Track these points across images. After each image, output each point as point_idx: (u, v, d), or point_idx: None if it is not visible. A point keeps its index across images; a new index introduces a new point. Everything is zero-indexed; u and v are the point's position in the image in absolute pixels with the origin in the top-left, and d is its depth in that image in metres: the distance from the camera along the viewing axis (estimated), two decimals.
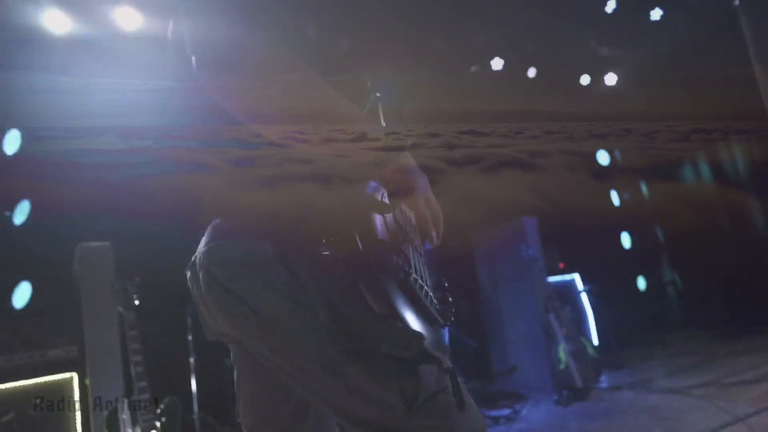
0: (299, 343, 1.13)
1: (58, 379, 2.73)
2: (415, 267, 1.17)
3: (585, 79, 4.77)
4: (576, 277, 4.54)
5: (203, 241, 1.29)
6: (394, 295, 1.10)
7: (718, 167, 4.60)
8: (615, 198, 4.73)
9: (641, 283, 4.80)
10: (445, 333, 1.23)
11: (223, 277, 1.19)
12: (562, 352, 3.85)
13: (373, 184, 1.21)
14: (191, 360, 3.31)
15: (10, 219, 3.11)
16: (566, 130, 4.93)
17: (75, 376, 2.77)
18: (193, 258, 1.33)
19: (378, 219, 1.15)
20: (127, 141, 3.82)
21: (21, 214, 3.13)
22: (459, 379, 1.16)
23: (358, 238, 1.08)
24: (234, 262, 1.19)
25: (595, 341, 4.42)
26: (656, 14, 4.22)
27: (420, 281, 1.16)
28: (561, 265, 4.46)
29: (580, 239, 4.45)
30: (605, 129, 4.99)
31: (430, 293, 1.20)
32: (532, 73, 4.57)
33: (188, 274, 1.34)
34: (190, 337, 3.32)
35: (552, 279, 4.35)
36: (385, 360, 1.11)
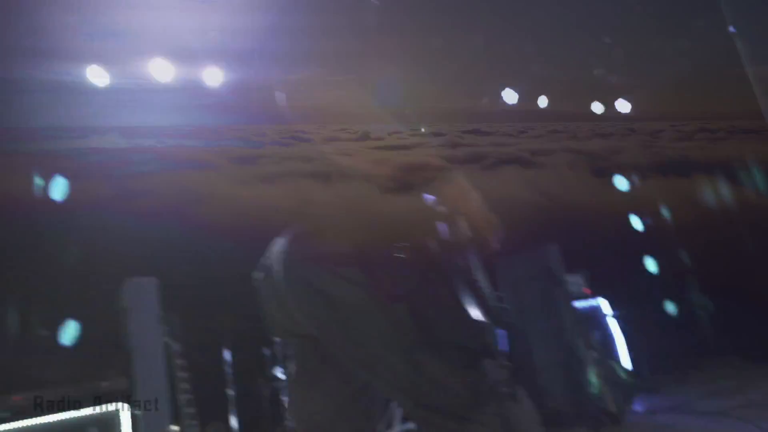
0: (377, 334, 1.21)
1: (110, 410, 2.85)
2: (478, 273, 1.29)
3: (598, 107, 4.74)
4: (602, 302, 4.52)
5: (281, 242, 1.35)
6: (463, 292, 1.22)
7: (738, 172, 4.53)
8: (638, 223, 4.73)
9: (671, 307, 4.75)
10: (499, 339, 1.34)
11: (306, 273, 1.26)
12: (593, 375, 3.82)
13: (428, 197, 1.31)
14: (230, 392, 3.41)
15: (60, 258, 3.30)
16: (570, 130, 4.92)
17: (125, 406, 2.87)
18: (265, 260, 1.39)
19: (444, 227, 1.26)
20: (130, 140, 3.84)
21: (70, 254, 3.29)
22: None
23: (433, 241, 1.21)
24: (316, 259, 1.26)
25: (627, 365, 4.36)
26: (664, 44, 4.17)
27: (482, 285, 1.27)
28: (586, 290, 4.46)
29: (605, 264, 4.44)
30: (609, 128, 4.99)
31: (491, 297, 1.31)
32: (543, 102, 4.54)
33: (260, 276, 1.40)
34: (229, 370, 3.42)
35: (578, 304, 4.33)
36: (455, 351, 1.20)
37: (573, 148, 4.90)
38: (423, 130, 1.48)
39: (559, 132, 4.96)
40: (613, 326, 4.40)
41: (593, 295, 4.44)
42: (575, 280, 4.41)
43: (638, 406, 3.87)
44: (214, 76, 3.55)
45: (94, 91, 3.34)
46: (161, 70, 3.30)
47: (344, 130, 1.48)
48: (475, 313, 1.21)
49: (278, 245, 1.35)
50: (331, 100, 1.44)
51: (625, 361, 4.35)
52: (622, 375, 3.98)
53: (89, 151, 3.51)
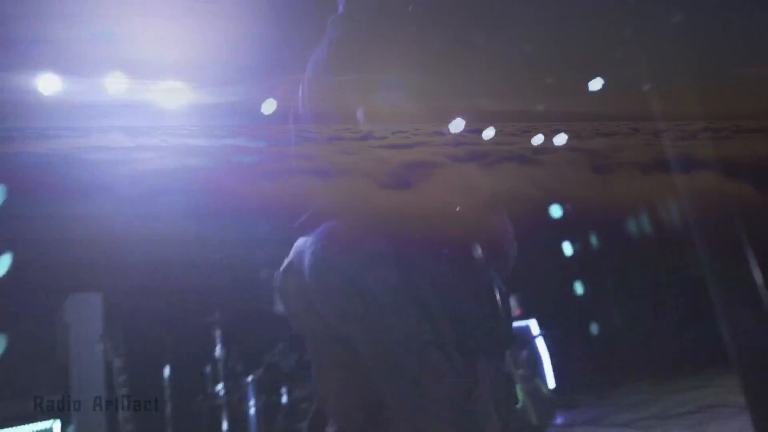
0: (400, 331, 1.23)
1: (42, 428, 2.75)
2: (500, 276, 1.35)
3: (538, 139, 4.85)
4: (532, 323, 4.77)
5: (312, 240, 1.36)
6: (488, 295, 1.27)
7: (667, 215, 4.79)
8: (568, 248, 5.06)
9: (594, 328, 5.01)
10: None
11: (341, 266, 1.28)
12: (519, 391, 4.05)
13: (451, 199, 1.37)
14: (169, 408, 3.33)
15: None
16: (574, 129, 4.91)
17: (58, 422, 2.77)
18: (287, 261, 1.43)
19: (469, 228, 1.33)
20: (134, 139, 3.85)
21: (2, 267, 3.07)
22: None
23: (478, 246, 1.27)
24: (352, 254, 1.28)
25: (552, 383, 4.67)
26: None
27: (502, 290, 1.33)
28: (517, 312, 4.71)
29: (535, 287, 4.74)
30: (613, 127, 4.98)
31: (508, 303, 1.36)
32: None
33: (280, 276, 1.44)
34: (170, 387, 3.33)
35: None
36: (472, 354, 1.23)
37: (575, 147, 4.92)
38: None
39: (562, 131, 4.96)
40: (541, 346, 4.62)
41: (523, 317, 4.66)
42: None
43: (559, 420, 4.20)
44: (219, 76, 3.55)
45: (98, 89, 3.35)
46: (166, 69, 3.31)
47: (348, 129, 1.48)
48: (495, 316, 1.26)
49: (305, 242, 1.37)
50: (335, 100, 1.44)
51: (550, 378, 4.59)
52: (545, 391, 4.20)
53: (93, 150, 3.53)
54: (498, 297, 1.26)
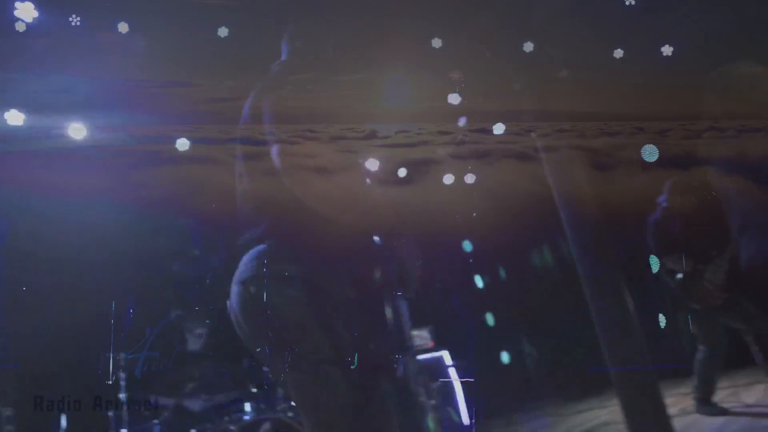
0: (304, 351, 1.32)
1: None
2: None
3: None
4: (444, 354, 4.81)
5: (242, 262, 1.46)
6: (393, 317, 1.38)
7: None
8: (479, 281, 5.29)
9: (505, 357, 5.33)
10: None
11: (255, 291, 1.38)
12: (431, 421, 4.19)
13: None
14: None
15: None
16: (578, 129, 4.89)
17: None
18: (231, 290, 1.52)
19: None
20: (137, 138, 3.85)
21: None
22: None
23: (382, 269, 1.38)
24: (265, 279, 1.37)
25: (464, 411, 4.85)
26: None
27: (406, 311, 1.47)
28: (430, 344, 4.85)
29: (448, 319, 4.90)
30: (617, 127, 4.96)
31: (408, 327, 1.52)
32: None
33: (229, 304, 1.55)
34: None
35: (421, 357, 4.64)
36: (368, 369, 1.34)
37: (578, 146, 4.90)
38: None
39: (566, 131, 4.95)
40: (453, 376, 4.72)
41: (436, 348, 4.70)
42: (420, 335, 4.65)
43: None
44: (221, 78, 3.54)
45: (100, 88, 3.35)
46: (169, 70, 3.30)
47: (351, 129, 1.49)
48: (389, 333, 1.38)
49: (242, 262, 1.47)
50: (339, 100, 1.44)
51: (462, 407, 4.63)
52: (457, 420, 4.35)
53: (95, 150, 3.53)
54: (393, 315, 1.37)
